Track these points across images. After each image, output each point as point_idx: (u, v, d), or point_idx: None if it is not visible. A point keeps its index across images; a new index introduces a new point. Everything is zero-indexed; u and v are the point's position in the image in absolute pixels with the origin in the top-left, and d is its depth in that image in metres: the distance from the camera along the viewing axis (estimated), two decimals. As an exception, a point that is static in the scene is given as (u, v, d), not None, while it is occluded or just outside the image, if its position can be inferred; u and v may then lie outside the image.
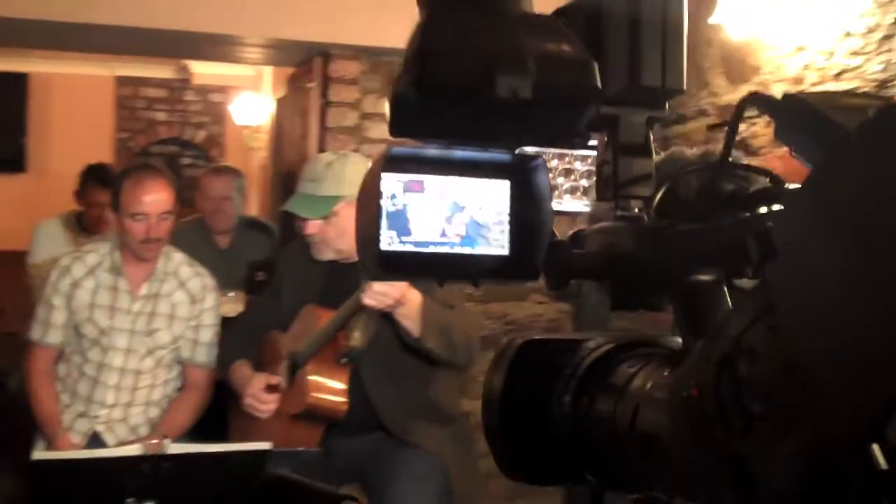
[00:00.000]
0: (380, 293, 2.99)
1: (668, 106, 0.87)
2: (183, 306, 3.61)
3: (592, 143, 0.88)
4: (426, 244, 0.81)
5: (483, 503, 3.55)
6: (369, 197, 0.79)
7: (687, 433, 0.61)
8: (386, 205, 0.79)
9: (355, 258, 3.33)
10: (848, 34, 3.40)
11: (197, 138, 9.82)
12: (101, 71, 9.29)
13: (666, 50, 0.82)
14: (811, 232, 0.54)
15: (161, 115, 9.73)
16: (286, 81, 5.52)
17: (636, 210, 0.85)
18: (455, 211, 0.82)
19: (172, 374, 3.66)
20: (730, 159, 0.78)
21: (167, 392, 3.65)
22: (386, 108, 0.75)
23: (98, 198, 5.16)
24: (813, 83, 3.63)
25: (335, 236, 3.27)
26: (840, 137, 0.62)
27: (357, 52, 4.54)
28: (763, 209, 0.70)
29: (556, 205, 4.56)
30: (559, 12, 0.84)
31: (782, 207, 0.64)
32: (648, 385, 0.72)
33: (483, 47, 0.73)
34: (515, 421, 0.86)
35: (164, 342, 3.59)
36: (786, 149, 0.70)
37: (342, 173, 3.26)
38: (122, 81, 9.59)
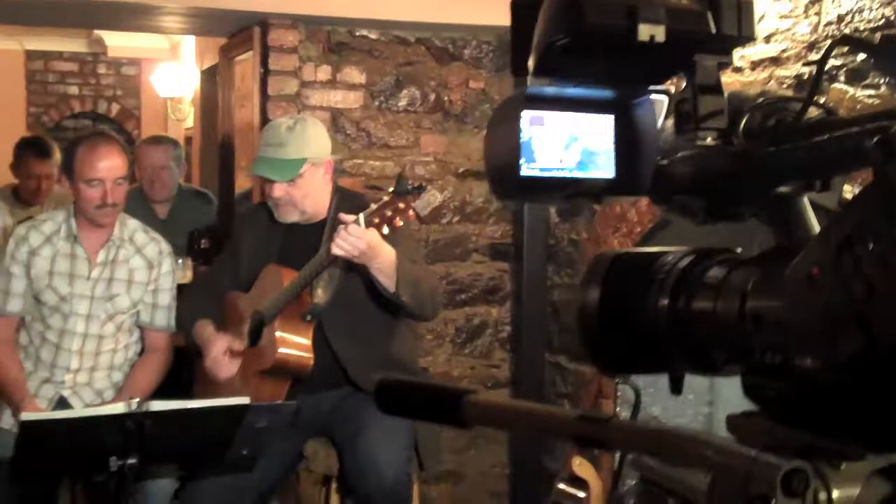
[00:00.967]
0: (351, 242, 3.04)
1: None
2: (140, 271, 3.67)
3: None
4: (549, 169, 0.95)
5: (442, 454, 3.72)
6: (507, 130, 0.93)
7: (810, 303, 0.76)
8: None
9: (317, 219, 3.45)
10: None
11: (111, 112, 9.74)
12: (10, 45, 9.12)
13: (741, 1, 0.97)
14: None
15: (73, 89, 9.64)
16: (217, 52, 5.54)
17: (709, 140, 1.00)
18: (571, 141, 0.96)
19: (133, 338, 3.72)
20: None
21: (129, 356, 3.71)
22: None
23: (35, 169, 5.14)
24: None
25: (301, 197, 3.37)
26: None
27: (295, 21, 4.60)
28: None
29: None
30: None
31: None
32: (752, 279, 0.87)
33: None
34: (613, 325, 1.00)
35: (123, 307, 3.64)
36: None
37: (304, 136, 3.36)
38: (32, 55, 9.44)
